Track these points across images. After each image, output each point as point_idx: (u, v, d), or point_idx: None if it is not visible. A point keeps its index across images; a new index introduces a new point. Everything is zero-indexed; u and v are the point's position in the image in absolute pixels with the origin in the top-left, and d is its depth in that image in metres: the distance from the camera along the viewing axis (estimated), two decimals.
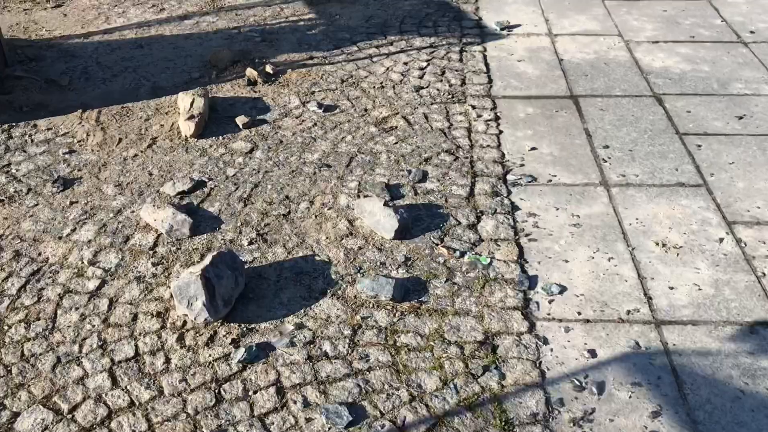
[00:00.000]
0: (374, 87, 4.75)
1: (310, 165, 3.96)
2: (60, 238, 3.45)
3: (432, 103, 4.56)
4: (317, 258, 3.31)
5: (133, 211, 3.61)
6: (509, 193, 3.75)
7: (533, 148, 4.13)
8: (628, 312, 3.03)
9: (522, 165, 3.98)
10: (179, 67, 4.98)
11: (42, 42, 5.35)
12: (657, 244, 3.40)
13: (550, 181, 3.85)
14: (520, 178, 3.87)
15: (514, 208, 3.64)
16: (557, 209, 3.63)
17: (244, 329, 2.94)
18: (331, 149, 4.10)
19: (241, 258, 3.27)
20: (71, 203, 3.68)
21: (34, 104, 4.51)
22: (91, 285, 3.16)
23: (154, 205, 3.54)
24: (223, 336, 2.90)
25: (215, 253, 3.07)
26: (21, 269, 3.25)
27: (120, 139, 4.18)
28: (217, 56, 4.93)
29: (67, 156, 4.04)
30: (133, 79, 4.84)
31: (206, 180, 3.84)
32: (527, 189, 3.78)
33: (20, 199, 3.72)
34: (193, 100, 4.24)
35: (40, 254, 3.35)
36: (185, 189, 3.74)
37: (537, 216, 3.59)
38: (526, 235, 3.46)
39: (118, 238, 3.44)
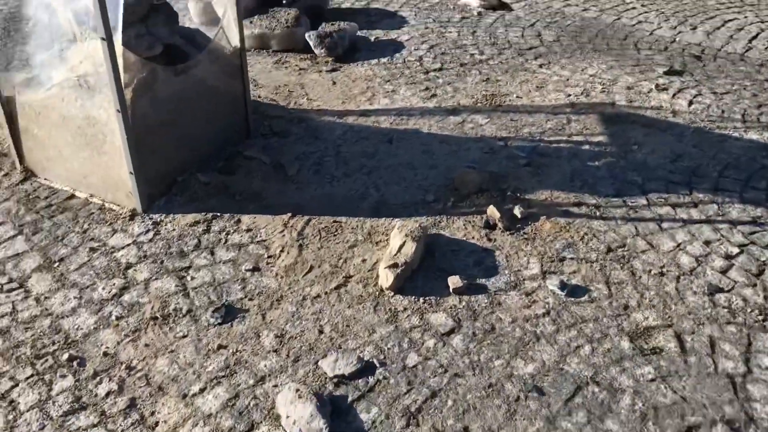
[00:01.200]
0: (650, 271, 3.45)
1: (517, 382, 2.86)
2: (184, 396, 2.82)
3: (728, 322, 3.14)
4: None
5: (275, 385, 2.86)
6: None
7: None
8: None
9: None
10: (417, 181, 4.16)
11: (295, 113, 4.93)
12: None
13: None
14: None
15: None
16: None
17: None
18: (555, 363, 2.95)
19: None
20: (219, 347, 3.05)
21: (250, 193, 4.03)
22: None
23: (297, 391, 2.75)
24: None
25: None
26: None
27: (311, 268, 3.48)
28: (463, 179, 4.01)
29: (248, 274, 3.45)
30: (363, 185, 4.13)
31: (377, 364, 2.95)
32: None
33: (174, 321, 3.19)
34: (404, 243, 3.39)
35: (153, 413, 2.75)
36: (346, 373, 2.89)
37: None
38: None
39: (241, 424, 2.70)
